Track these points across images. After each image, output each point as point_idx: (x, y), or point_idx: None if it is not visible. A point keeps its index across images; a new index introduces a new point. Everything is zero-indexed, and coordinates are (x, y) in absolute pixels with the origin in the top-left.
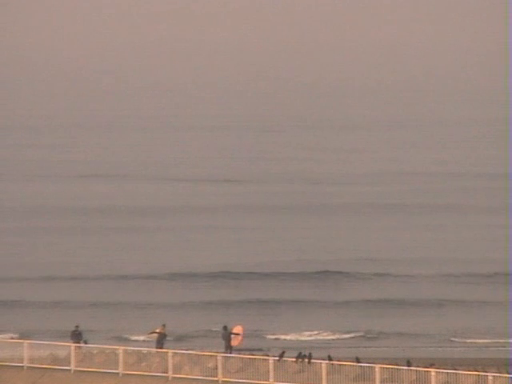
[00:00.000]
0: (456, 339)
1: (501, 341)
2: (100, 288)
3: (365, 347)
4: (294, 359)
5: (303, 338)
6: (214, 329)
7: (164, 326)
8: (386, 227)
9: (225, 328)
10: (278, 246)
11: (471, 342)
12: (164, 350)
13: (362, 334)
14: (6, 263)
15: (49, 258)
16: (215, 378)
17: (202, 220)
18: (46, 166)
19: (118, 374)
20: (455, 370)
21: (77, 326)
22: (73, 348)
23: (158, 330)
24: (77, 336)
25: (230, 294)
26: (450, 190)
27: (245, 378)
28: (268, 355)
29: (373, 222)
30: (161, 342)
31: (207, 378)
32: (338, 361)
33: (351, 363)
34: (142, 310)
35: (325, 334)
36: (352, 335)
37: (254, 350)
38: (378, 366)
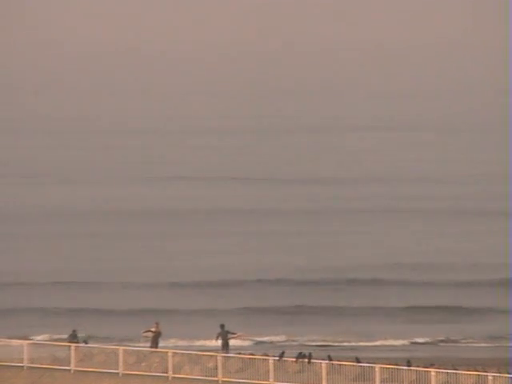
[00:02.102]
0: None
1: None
2: (136, 294)
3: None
4: (294, 359)
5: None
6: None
7: (158, 324)
8: (396, 233)
9: (222, 326)
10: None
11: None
12: (164, 350)
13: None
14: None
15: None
16: (215, 378)
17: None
18: (85, 169)
19: (117, 374)
20: (455, 370)
21: (74, 331)
22: (73, 348)
23: (152, 329)
24: (73, 338)
25: (303, 300)
26: (462, 195)
27: (245, 378)
28: (268, 355)
29: (386, 226)
30: (156, 340)
31: (207, 377)
32: (338, 361)
33: (351, 363)
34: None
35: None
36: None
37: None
38: (377, 366)
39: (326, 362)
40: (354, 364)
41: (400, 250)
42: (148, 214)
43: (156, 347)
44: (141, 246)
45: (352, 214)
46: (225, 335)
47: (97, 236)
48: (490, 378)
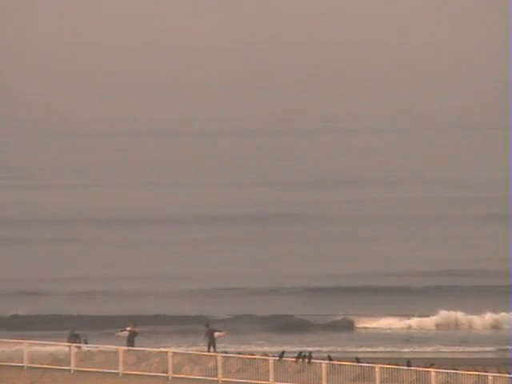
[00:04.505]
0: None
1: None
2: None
3: None
4: (294, 359)
5: None
6: None
7: (134, 323)
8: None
9: (207, 325)
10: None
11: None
12: (164, 350)
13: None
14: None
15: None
16: (215, 378)
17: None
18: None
19: (117, 374)
20: (455, 370)
21: (74, 332)
22: (73, 348)
23: (128, 328)
24: (73, 337)
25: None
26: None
27: (245, 378)
28: (268, 355)
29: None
30: (131, 339)
31: (207, 377)
32: (338, 361)
33: (351, 363)
34: None
35: None
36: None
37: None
38: (377, 366)
39: (326, 362)
40: (354, 364)
41: (403, 256)
42: (154, 220)
43: (132, 346)
44: (149, 254)
45: (350, 219)
46: (211, 333)
47: (107, 242)
48: (489, 378)
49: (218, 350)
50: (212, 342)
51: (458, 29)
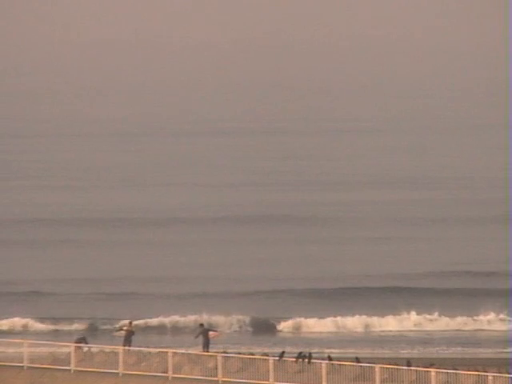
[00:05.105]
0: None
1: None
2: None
3: None
4: (294, 359)
5: None
6: None
7: (131, 323)
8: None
9: (201, 325)
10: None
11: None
12: (164, 350)
13: None
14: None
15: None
16: (215, 378)
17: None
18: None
19: (117, 373)
20: (455, 370)
21: (82, 336)
22: (73, 348)
23: (125, 328)
24: (80, 340)
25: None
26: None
27: (245, 378)
28: (268, 355)
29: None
30: (128, 339)
31: (207, 378)
32: (338, 361)
33: (351, 363)
34: None
35: None
36: None
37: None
38: (377, 366)
39: (326, 362)
40: (354, 364)
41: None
42: (153, 221)
43: (129, 345)
44: (147, 256)
45: (351, 220)
46: (205, 333)
47: (106, 242)
48: (490, 378)
49: (218, 350)
50: (206, 342)
51: (459, 29)
